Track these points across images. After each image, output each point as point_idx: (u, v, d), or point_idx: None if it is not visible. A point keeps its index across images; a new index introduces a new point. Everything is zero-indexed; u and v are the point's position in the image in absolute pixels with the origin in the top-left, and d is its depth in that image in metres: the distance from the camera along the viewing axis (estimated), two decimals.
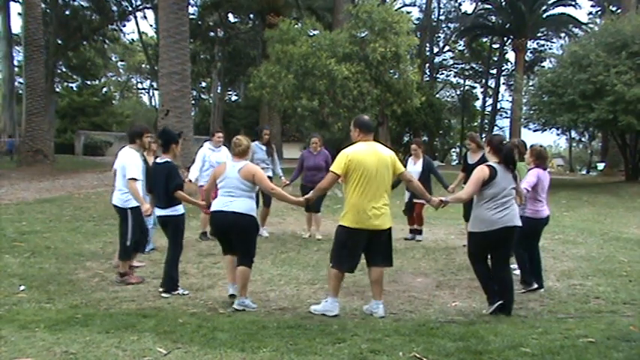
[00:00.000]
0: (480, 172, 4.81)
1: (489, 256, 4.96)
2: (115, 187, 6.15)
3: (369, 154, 4.75)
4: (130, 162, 5.78)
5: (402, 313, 4.91)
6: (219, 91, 40.12)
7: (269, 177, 8.26)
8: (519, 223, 4.90)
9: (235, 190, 5.02)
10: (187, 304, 5.06)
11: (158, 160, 5.73)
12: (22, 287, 5.55)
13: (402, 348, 3.81)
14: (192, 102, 29.57)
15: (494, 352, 3.73)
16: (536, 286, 5.65)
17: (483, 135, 41.38)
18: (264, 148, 8.59)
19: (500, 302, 4.78)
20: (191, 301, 5.17)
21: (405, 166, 7.65)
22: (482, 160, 7.27)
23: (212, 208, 5.18)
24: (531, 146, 6.09)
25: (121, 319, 4.41)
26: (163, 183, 5.46)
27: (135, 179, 5.68)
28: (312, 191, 5.19)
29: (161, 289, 5.45)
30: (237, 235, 5.04)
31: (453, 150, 49.25)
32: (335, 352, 3.73)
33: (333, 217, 9.28)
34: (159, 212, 5.60)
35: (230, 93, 48.12)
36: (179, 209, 5.57)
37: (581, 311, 4.97)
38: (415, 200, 8.26)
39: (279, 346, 3.80)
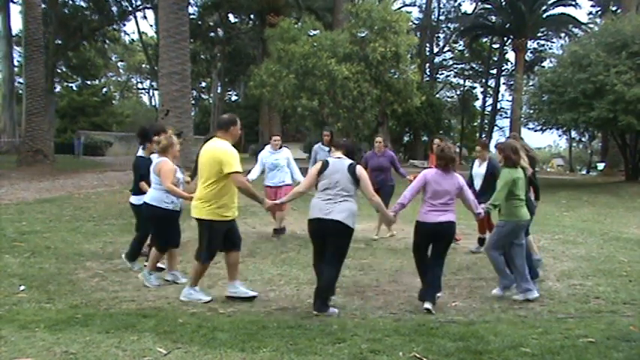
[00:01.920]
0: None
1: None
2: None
3: (204, 149, 5.18)
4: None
5: (402, 313, 4.90)
6: (219, 91, 40.16)
7: None
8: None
9: (153, 184, 5.84)
10: (187, 304, 5.06)
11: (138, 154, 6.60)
12: (22, 287, 5.55)
13: (402, 348, 3.82)
14: (192, 102, 29.61)
15: (494, 352, 3.73)
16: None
17: (483, 135, 41.46)
18: (326, 149, 8.73)
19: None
20: (191, 301, 5.17)
21: (470, 168, 7.67)
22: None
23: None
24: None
25: (121, 319, 4.41)
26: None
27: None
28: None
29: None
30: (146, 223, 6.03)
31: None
32: (335, 352, 3.73)
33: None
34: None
35: (230, 93, 48.17)
36: (141, 199, 6.20)
37: (581, 311, 4.97)
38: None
39: (279, 346, 3.80)
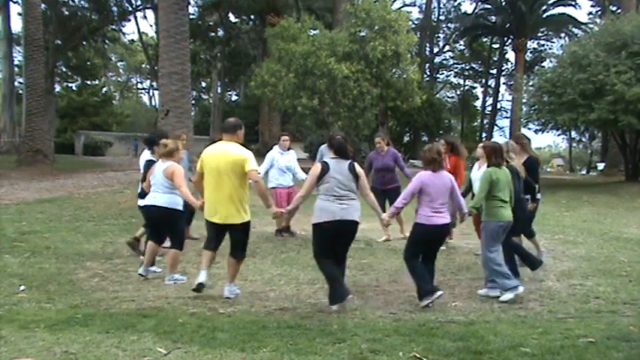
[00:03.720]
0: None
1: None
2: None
3: (216, 153, 5.19)
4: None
5: (402, 313, 4.90)
6: (219, 91, 40.14)
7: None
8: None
9: (160, 187, 5.84)
10: (187, 304, 5.06)
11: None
12: (22, 287, 5.55)
13: (402, 348, 3.82)
14: (192, 102, 29.60)
15: (494, 352, 3.73)
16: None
17: (484, 135, 41.47)
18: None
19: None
20: (191, 301, 5.17)
21: (470, 170, 7.66)
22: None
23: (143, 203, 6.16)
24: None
25: (121, 319, 4.41)
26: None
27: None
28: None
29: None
30: (161, 225, 5.98)
31: None
32: (335, 352, 3.73)
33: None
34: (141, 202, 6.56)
35: (230, 93, 48.16)
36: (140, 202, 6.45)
37: (581, 311, 4.97)
38: None
39: (279, 346, 3.80)
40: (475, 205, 5.47)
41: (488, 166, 5.56)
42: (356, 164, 5.17)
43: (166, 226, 5.95)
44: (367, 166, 8.55)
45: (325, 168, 5.05)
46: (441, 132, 36.48)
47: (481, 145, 6.09)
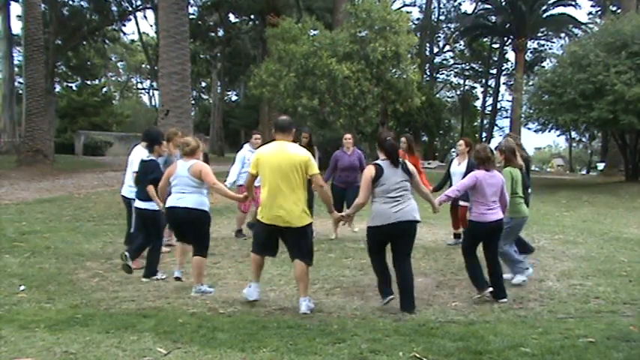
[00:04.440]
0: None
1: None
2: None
3: (275, 153, 4.95)
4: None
5: (402, 313, 4.90)
6: (219, 91, 40.14)
7: None
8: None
9: (186, 187, 5.50)
10: (187, 304, 5.06)
11: (144, 158, 6.29)
12: (22, 287, 5.55)
13: (402, 348, 3.82)
14: (192, 102, 29.58)
15: (494, 352, 3.74)
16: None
17: (483, 134, 41.46)
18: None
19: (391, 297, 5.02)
20: (191, 301, 5.17)
21: (449, 165, 7.71)
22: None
23: (166, 205, 5.62)
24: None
25: (121, 319, 4.41)
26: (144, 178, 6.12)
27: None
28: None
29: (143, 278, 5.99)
30: (188, 228, 5.55)
31: (453, 150, 49.22)
32: (335, 352, 3.73)
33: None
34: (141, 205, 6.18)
35: (230, 93, 48.15)
36: (154, 204, 6.05)
37: (581, 311, 4.97)
38: (461, 203, 7.67)
39: (279, 346, 3.80)
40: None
41: (506, 166, 5.84)
42: (408, 162, 5.19)
43: (194, 229, 5.55)
44: (332, 164, 8.54)
45: (380, 171, 4.96)
46: (441, 132, 36.51)
47: (499, 146, 6.20)
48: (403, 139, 8.51)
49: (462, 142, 8.12)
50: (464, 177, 6.98)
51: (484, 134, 41.71)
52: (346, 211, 5.82)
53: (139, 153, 6.60)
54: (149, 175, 6.09)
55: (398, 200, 4.93)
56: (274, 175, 4.86)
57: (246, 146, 8.61)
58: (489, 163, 5.38)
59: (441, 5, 41.91)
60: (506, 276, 5.79)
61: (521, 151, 6.77)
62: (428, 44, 40.57)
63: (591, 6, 39.50)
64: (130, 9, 32.46)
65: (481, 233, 5.41)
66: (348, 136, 8.74)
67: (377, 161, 5.08)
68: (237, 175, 8.23)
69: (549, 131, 19.34)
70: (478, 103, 46.32)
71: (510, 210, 5.68)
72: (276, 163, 4.88)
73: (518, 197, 5.77)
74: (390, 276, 5.09)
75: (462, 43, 41.67)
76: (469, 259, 5.43)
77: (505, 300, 5.27)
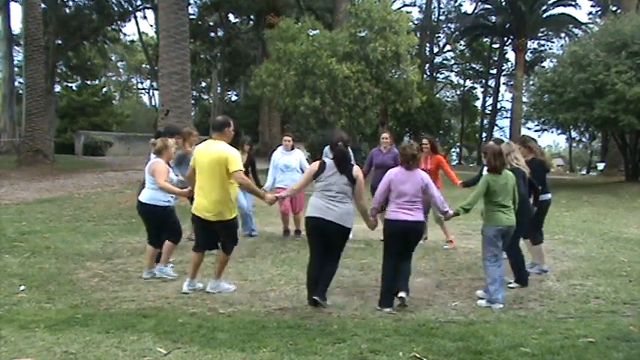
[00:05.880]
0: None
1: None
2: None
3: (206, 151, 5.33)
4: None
5: (402, 313, 4.90)
6: (219, 91, 40.12)
7: None
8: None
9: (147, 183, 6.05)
10: (187, 304, 5.06)
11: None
12: (22, 287, 5.55)
13: (402, 348, 3.82)
14: (192, 102, 29.58)
15: (494, 352, 3.74)
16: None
17: (484, 134, 41.46)
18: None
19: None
20: (191, 301, 5.17)
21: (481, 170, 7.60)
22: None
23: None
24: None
25: (121, 319, 4.41)
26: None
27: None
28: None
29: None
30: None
31: (453, 150, 49.23)
32: (335, 352, 3.73)
33: None
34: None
35: (230, 93, 48.10)
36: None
37: (581, 311, 4.97)
38: None
39: (279, 346, 3.80)
40: (465, 207, 5.33)
41: (488, 171, 5.48)
42: (355, 167, 5.20)
43: (152, 221, 6.12)
44: (368, 163, 8.59)
45: (322, 167, 5.14)
46: (440, 132, 36.45)
47: (484, 147, 6.03)
48: (425, 140, 8.35)
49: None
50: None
51: (484, 134, 41.70)
52: (282, 194, 5.99)
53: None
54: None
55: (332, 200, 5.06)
56: (201, 171, 5.33)
57: (280, 148, 8.77)
58: (414, 161, 5.25)
59: (441, 5, 41.91)
60: (479, 292, 5.47)
61: (537, 153, 6.64)
62: (428, 44, 40.54)
63: (591, 6, 39.52)
64: (130, 9, 32.45)
65: (394, 233, 5.14)
66: (386, 135, 8.81)
67: (325, 159, 5.34)
68: (273, 177, 8.51)
69: (550, 131, 19.36)
70: (478, 103, 46.35)
71: (485, 217, 5.41)
72: (203, 159, 5.31)
73: (496, 205, 5.29)
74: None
75: (462, 43, 41.66)
76: (384, 261, 5.23)
77: (403, 295, 5.01)
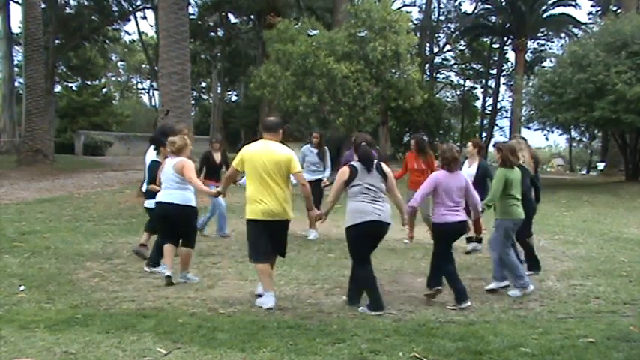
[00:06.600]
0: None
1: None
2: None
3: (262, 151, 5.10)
4: None
5: (402, 313, 4.91)
6: (219, 91, 40.13)
7: (319, 180, 8.53)
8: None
9: (172, 183, 5.80)
10: (187, 304, 5.06)
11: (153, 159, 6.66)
12: (22, 287, 5.55)
13: (402, 348, 3.82)
14: (192, 102, 29.57)
15: (494, 352, 3.74)
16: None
17: (484, 134, 41.44)
18: (314, 151, 8.85)
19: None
20: (191, 301, 5.17)
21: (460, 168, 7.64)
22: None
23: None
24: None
25: (121, 319, 4.41)
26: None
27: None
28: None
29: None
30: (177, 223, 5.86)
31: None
32: (335, 352, 3.73)
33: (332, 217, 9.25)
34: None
35: (230, 93, 48.12)
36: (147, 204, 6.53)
37: (581, 311, 4.98)
38: None
39: (279, 346, 3.80)
40: (488, 203, 5.58)
41: (501, 166, 5.69)
42: (383, 164, 5.20)
43: (181, 223, 5.87)
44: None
45: (354, 171, 5.05)
46: (440, 132, 36.47)
47: (497, 144, 6.23)
48: (413, 141, 8.47)
49: (470, 144, 8.08)
50: (474, 180, 6.91)
51: (484, 134, 41.69)
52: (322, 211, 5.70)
53: (150, 155, 6.88)
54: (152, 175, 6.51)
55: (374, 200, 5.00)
56: (254, 170, 5.06)
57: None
58: (455, 164, 5.34)
59: (441, 5, 41.88)
60: (492, 285, 5.66)
61: (530, 149, 6.74)
62: (428, 44, 40.53)
63: (591, 6, 39.50)
64: (130, 9, 32.45)
65: (445, 235, 5.30)
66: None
67: (352, 163, 5.20)
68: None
69: (550, 132, 19.36)
70: (478, 103, 46.33)
71: (500, 211, 5.60)
72: (259, 160, 5.05)
73: (511, 199, 5.57)
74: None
75: (462, 43, 41.66)
76: (446, 264, 5.32)
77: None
